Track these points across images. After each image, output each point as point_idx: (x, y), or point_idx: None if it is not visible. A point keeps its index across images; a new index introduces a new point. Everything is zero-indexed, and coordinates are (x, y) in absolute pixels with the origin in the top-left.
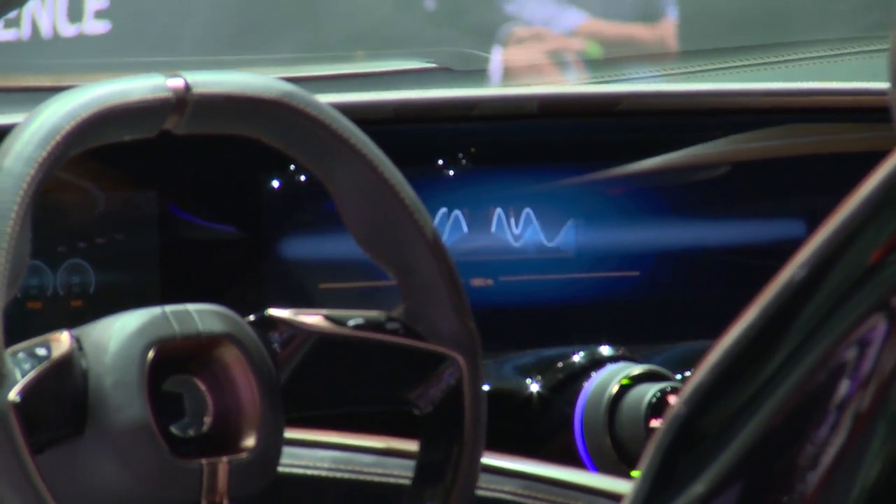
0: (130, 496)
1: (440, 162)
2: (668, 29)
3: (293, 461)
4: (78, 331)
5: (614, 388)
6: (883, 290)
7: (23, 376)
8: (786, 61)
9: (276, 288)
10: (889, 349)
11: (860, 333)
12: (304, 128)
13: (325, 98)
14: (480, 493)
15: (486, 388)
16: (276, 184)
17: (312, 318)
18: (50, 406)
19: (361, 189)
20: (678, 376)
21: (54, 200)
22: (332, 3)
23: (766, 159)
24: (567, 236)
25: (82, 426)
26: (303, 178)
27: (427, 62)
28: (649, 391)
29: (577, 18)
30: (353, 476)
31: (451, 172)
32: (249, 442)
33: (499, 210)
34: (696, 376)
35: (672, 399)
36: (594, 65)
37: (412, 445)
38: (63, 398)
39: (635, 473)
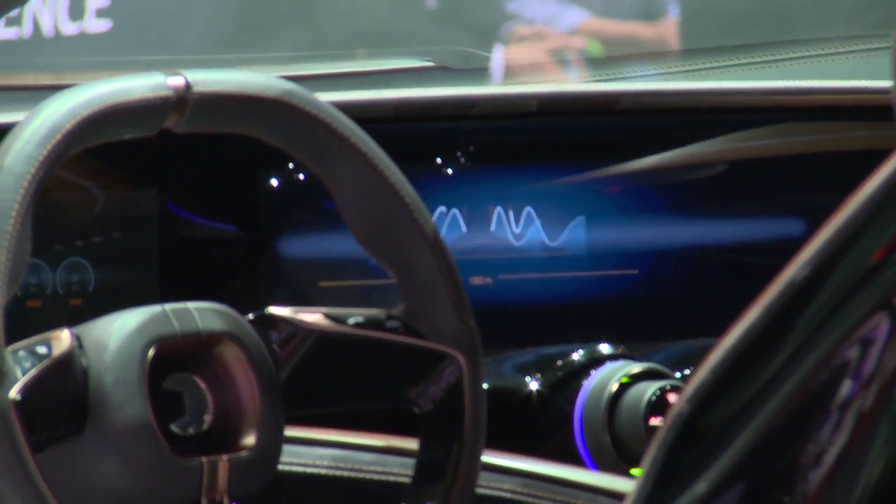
0: (131, 494)
1: (440, 160)
2: (668, 27)
3: (293, 459)
4: (78, 329)
5: (614, 387)
6: (885, 290)
7: (23, 374)
8: (785, 59)
9: (275, 286)
10: (892, 348)
11: (863, 333)
12: (304, 126)
13: (325, 96)
14: (480, 491)
15: (485, 386)
16: (275, 182)
17: (312, 317)
18: (50, 404)
19: (361, 188)
20: (677, 374)
21: (54, 199)
22: (332, 1)
23: (766, 158)
24: (567, 235)
25: (83, 424)
26: (302, 176)
27: (425, 61)
28: (649, 389)
29: (577, 17)
30: (353, 474)
31: (451, 171)
32: (249, 440)
33: (499, 208)
34: (698, 375)
35: (671, 397)
36: (595, 63)
37: (412, 444)
38: (63, 396)
39: (635, 471)
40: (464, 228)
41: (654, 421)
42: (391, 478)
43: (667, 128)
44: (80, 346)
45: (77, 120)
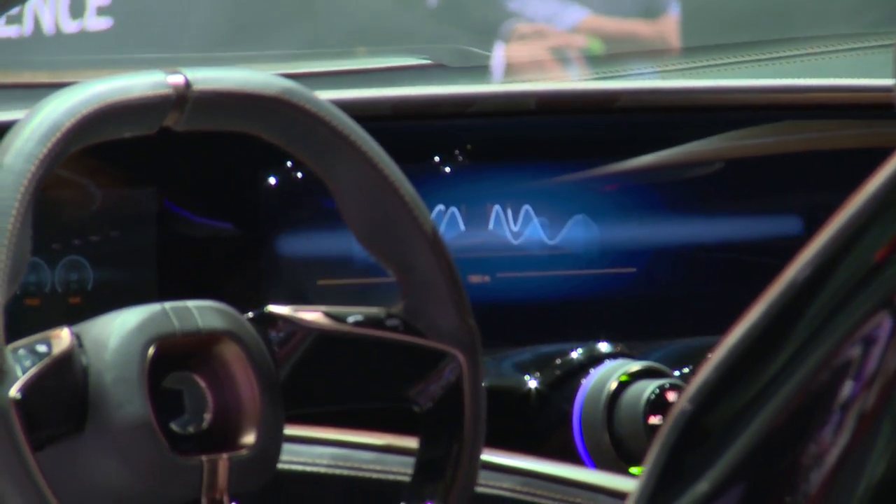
0: (130, 493)
1: (438, 159)
2: (669, 25)
3: (292, 458)
4: (78, 327)
5: (613, 385)
6: (887, 289)
7: (23, 373)
8: (785, 57)
9: (274, 284)
10: (894, 348)
11: (865, 332)
12: (303, 125)
13: (323, 94)
14: (479, 489)
15: (484, 385)
16: (273, 181)
17: (312, 315)
18: (50, 403)
19: (361, 186)
20: (676, 373)
21: (53, 197)
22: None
23: (764, 156)
24: (565, 233)
25: (83, 423)
26: (300, 175)
27: (423, 59)
28: (648, 388)
29: (578, 15)
30: (353, 473)
31: (450, 169)
32: (249, 439)
33: (497, 207)
34: (701, 374)
35: (670, 396)
36: (595, 61)
37: (412, 442)
38: (63, 395)
39: (634, 470)
40: (462, 227)
41: (653, 419)
42: (390, 476)
43: (665, 126)
44: (80, 345)
45: (77, 118)
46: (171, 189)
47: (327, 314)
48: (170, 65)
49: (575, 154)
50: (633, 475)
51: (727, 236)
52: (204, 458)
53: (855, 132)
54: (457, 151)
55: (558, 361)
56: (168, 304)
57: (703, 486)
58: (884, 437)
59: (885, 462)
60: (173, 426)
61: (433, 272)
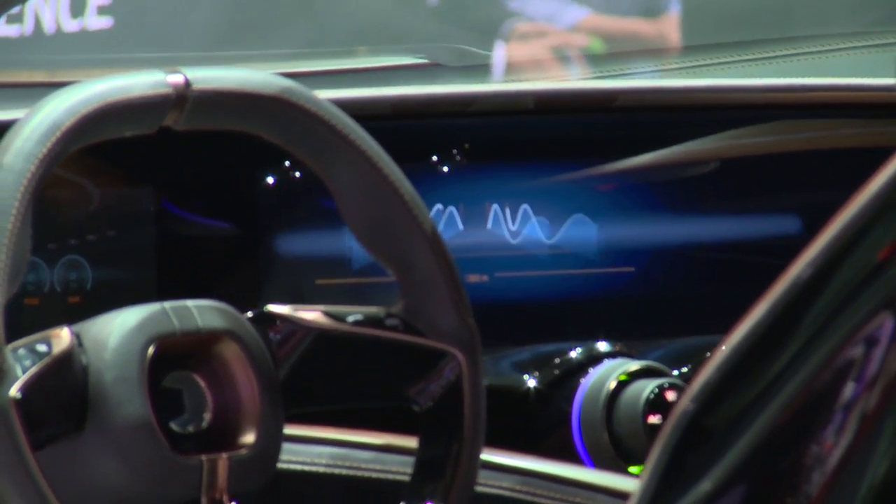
0: (130, 492)
1: (437, 158)
2: (669, 24)
3: (292, 457)
4: (78, 327)
5: (612, 384)
6: (890, 289)
7: (23, 372)
8: (785, 56)
9: (272, 284)
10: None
11: (867, 332)
12: (303, 124)
13: (322, 94)
14: (478, 489)
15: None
16: (271, 180)
17: (312, 314)
18: (50, 402)
19: (361, 185)
20: (675, 372)
21: (51, 196)
22: None
23: (763, 155)
24: (564, 232)
25: (82, 422)
26: (298, 174)
27: (420, 58)
28: (647, 387)
29: (578, 14)
30: (352, 472)
31: (448, 168)
32: (249, 438)
33: (495, 206)
34: (703, 374)
35: (670, 395)
36: (596, 60)
37: (411, 442)
38: (63, 394)
39: (633, 469)
40: (460, 226)
41: (653, 419)
42: (390, 476)
43: (664, 125)
44: (80, 344)
45: (77, 117)
46: (170, 188)
47: (327, 313)
48: (170, 64)
49: (573, 153)
50: (632, 474)
51: (726, 235)
52: (204, 457)
53: (854, 131)
54: (455, 151)
55: (557, 361)
56: (168, 304)
57: (705, 486)
58: (886, 437)
59: (888, 462)
60: (173, 426)
61: (433, 271)
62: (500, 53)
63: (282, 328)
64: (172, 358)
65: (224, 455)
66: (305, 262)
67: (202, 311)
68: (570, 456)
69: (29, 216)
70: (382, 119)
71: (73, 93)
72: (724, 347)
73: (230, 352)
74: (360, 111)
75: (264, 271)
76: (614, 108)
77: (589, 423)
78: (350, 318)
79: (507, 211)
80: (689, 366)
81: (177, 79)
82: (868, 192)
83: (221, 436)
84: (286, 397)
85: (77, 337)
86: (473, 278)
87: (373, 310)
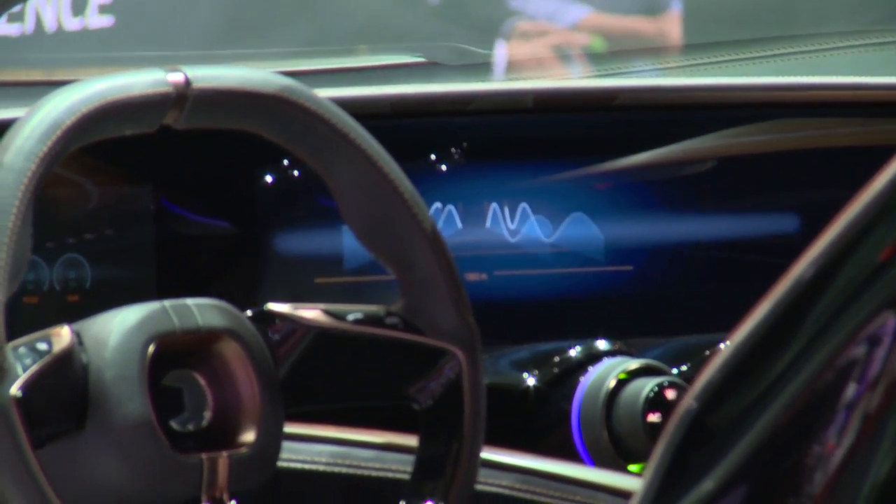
0: (130, 491)
1: (436, 157)
2: (670, 22)
3: (291, 456)
4: (78, 325)
5: (611, 383)
6: (892, 288)
7: (24, 371)
8: (786, 54)
9: (271, 282)
10: None
11: (870, 331)
12: (303, 123)
13: (320, 93)
14: (478, 487)
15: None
16: (270, 178)
17: (311, 313)
18: (51, 401)
19: (361, 184)
20: (674, 371)
21: (50, 195)
22: None
23: (762, 154)
24: (563, 231)
25: (83, 421)
26: (297, 172)
27: (417, 57)
28: (646, 386)
29: (579, 12)
30: (352, 471)
31: (447, 167)
32: (249, 437)
33: (494, 205)
34: (706, 373)
35: (669, 393)
36: (597, 58)
37: (411, 440)
38: (64, 393)
39: (632, 467)
40: (459, 225)
41: (652, 417)
42: (390, 474)
43: (663, 124)
44: (80, 343)
45: (77, 116)
46: (169, 187)
47: (327, 312)
48: (170, 63)
49: (572, 152)
50: (631, 473)
51: (725, 234)
52: (204, 456)
53: (853, 130)
54: (454, 149)
55: (557, 359)
56: (168, 302)
57: (708, 485)
58: (889, 436)
59: (891, 461)
60: (173, 424)
61: (432, 270)
62: (501, 52)
63: (282, 327)
64: (172, 356)
65: (224, 453)
66: (304, 261)
67: (202, 310)
68: (570, 454)
69: (29, 215)
70: (381, 118)
71: (74, 91)
72: (726, 346)
73: (230, 350)
74: (360, 110)
75: (263, 270)
76: (613, 107)
77: (588, 421)
78: (350, 317)
79: (506, 209)
80: (689, 364)
81: (177, 77)
82: (871, 192)
83: (221, 434)
84: (286, 396)
85: (77, 335)
86: (472, 277)
87: (373, 308)
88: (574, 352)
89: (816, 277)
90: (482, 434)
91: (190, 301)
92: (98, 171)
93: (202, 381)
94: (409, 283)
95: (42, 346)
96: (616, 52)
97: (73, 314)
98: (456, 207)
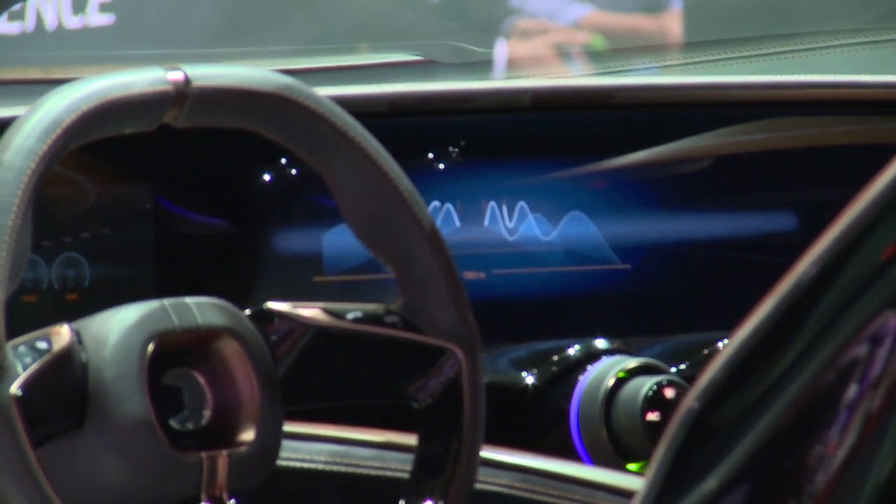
0: (130, 490)
1: (434, 155)
2: (671, 20)
3: (290, 455)
4: (78, 324)
5: (610, 382)
6: (894, 288)
7: (24, 370)
8: (787, 52)
9: (270, 281)
10: None
11: (872, 331)
12: (302, 121)
13: (320, 91)
14: (477, 486)
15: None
16: (268, 177)
17: (311, 312)
18: (50, 399)
19: (360, 183)
20: (673, 369)
21: (49, 194)
22: None
23: (761, 152)
24: (561, 229)
25: (82, 419)
26: (295, 171)
27: (414, 55)
28: (645, 384)
29: (580, 10)
30: (351, 469)
31: (445, 166)
32: (249, 435)
33: (492, 203)
34: (708, 372)
35: (668, 392)
36: (597, 57)
37: (410, 439)
38: (63, 391)
39: (631, 466)
40: (457, 223)
41: (651, 416)
42: (389, 473)
43: (661, 122)
44: (80, 342)
45: (77, 115)
46: (167, 186)
47: (326, 311)
48: (169, 61)
49: (570, 150)
50: (630, 471)
51: (723, 233)
52: (203, 454)
53: (852, 128)
54: (452, 148)
55: (555, 358)
56: (167, 301)
57: (710, 484)
58: (891, 436)
59: (892, 461)
60: (173, 423)
61: (432, 268)
62: (501, 50)
63: (281, 325)
64: (172, 355)
65: (224, 452)
66: (303, 260)
67: (202, 309)
68: (569, 453)
69: (29, 213)
70: (380, 116)
71: (74, 90)
72: (728, 345)
73: (230, 349)
74: (358, 108)
75: (261, 268)
76: (611, 106)
77: (587, 420)
78: (349, 316)
79: (504, 208)
80: (687, 363)
81: (177, 76)
82: (873, 191)
83: (221, 433)
84: (285, 394)
85: (77, 334)
86: (470, 275)
87: (372, 307)
88: (573, 350)
89: (819, 277)
90: (482, 433)
91: (189, 300)
92: (96, 170)
93: (202, 380)
94: (408, 281)
95: (42, 345)
96: (616, 50)
97: (71, 313)
98: (454, 206)
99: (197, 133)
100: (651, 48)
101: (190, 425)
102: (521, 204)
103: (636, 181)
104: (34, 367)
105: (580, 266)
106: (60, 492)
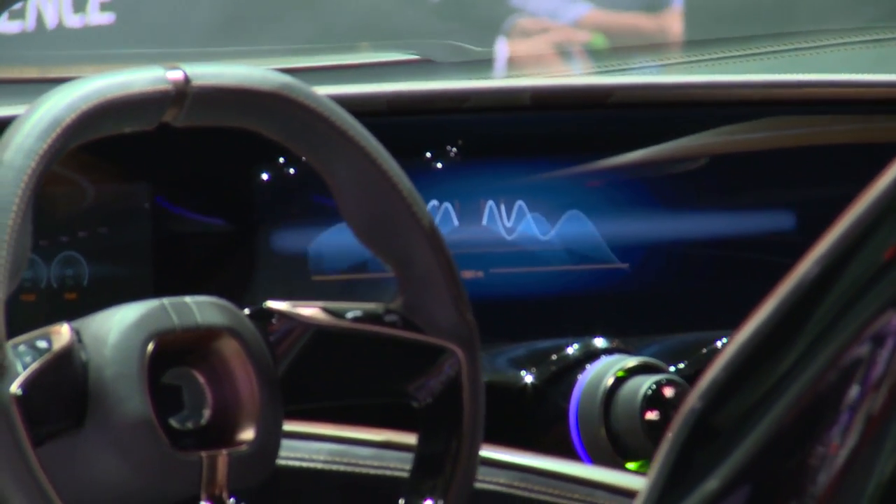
0: (130, 489)
1: (432, 154)
2: (671, 19)
3: (290, 454)
4: (77, 323)
5: (609, 381)
6: None
7: (24, 369)
8: (787, 51)
9: (269, 280)
10: None
11: (874, 330)
12: (302, 120)
13: (318, 90)
14: (476, 485)
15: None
16: (266, 176)
17: (310, 311)
18: (51, 398)
19: (360, 181)
20: (672, 368)
21: (47, 193)
22: None
23: (759, 151)
24: (559, 228)
25: (82, 419)
26: (293, 170)
27: (410, 54)
28: (644, 383)
29: (580, 9)
30: (351, 469)
31: (443, 165)
32: (248, 434)
33: (490, 202)
34: (711, 371)
35: (667, 391)
36: (598, 55)
37: (410, 438)
38: (64, 391)
39: (630, 465)
40: (455, 222)
41: (650, 415)
42: (388, 472)
43: (659, 121)
44: (80, 341)
45: (77, 114)
46: (165, 185)
47: (326, 310)
48: (169, 60)
49: (569, 149)
50: (629, 470)
51: (722, 231)
52: (203, 454)
53: (851, 127)
54: (450, 147)
55: (554, 357)
56: (167, 300)
57: (712, 484)
58: (893, 436)
59: (895, 461)
60: (172, 422)
61: (431, 267)
62: (501, 49)
63: (281, 324)
64: (172, 354)
65: (223, 451)
66: (301, 258)
67: (201, 308)
68: (568, 452)
69: (29, 212)
70: (379, 115)
71: (73, 89)
72: (731, 345)
73: (229, 348)
74: (356, 107)
75: (260, 267)
76: (610, 104)
77: (586, 419)
78: (349, 315)
79: (503, 207)
80: (686, 361)
81: (176, 75)
82: (875, 191)
83: (221, 432)
84: (285, 393)
85: (77, 333)
86: (469, 275)
87: (371, 306)
88: (572, 349)
89: (821, 276)
90: (481, 432)
91: (189, 299)
92: (94, 169)
93: (201, 379)
94: (407, 280)
95: (42, 344)
96: (617, 48)
97: (70, 312)
98: (452, 205)
99: (195, 132)
100: (651, 47)
101: (190, 424)
102: (520, 203)
103: (634, 180)
104: (34, 366)
105: (579, 265)
106: (60, 491)
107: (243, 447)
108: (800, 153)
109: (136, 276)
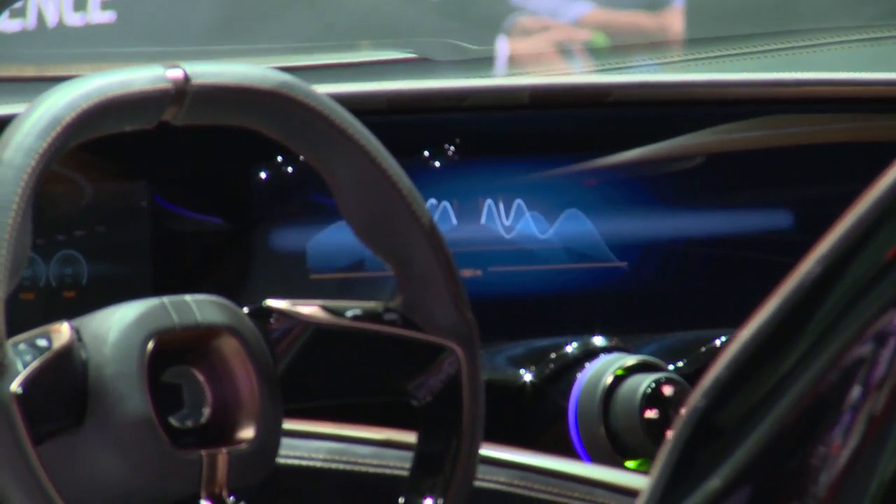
0: (130, 487)
1: (431, 153)
2: (672, 17)
3: (289, 452)
4: (77, 321)
5: (609, 379)
6: None
7: (24, 367)
8: (788, 49)
9: (268, 279)
10: None
11: (876, 330)
12: (301, 118)
13: (318, 88)
14: (476, 483)
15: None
16: (265, 175)
17: (310, 309)
18: (51, 397)
19: (359, 180)
20: (671, 367)
21: (46, 192)
22: None
23: (758, 150)
24: (558, 227)
25: (82, 417)
26: (291, 169)
27: (408, 52)
28: (643, 382)
29: (581, 8)
30: (350, 467)
31: (442, 163)
32: (248, 433)
33: (489, 201)
34: (713, 370)
35: (666, 389)
36: (598, 53)
37: (410, 437)
38: (63, 389)
39: (630, 464)
40: (454, 221)
41: (649, 413)
42: (388, 471)
43: (658, 120)
44: (80, 339)
45: (77, 112)
46: (163, 183)
47: (325, 308)
48: (169, 58)
49: (567, 148)
50: (629, 469)
51: (722, 230)
52: (203, 452)
53: (850, 126)
54: (449, 145)
55: (553, 355)
56: (167, 299)
57: (715, 483)
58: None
59: None
60: (172, 421)
61: (431, 266)
62: (502, 47)
63: (280, 323)
64: (171, 353)
65: (223, 450)
66: (300, 257)
67: (201, 306)
68: (567, 451)
69: (29, 211)
70: (378, 113)
71: (73, 88)
72: (733, 344)
73: (229, 347)
74: (355, 106)
75: (258, 266)
76: (609, 103)
77: (585, 417)
78: (348, 313)
79: (501, 206)
80: (685, 360)
81: (176, 74)
82: (878, 189)
83: (220, 431)
84: (285, 392)
85: (77, 332)
86: (467, 273)
87: (371, 304)
88: (570, 348)
89: (823, 276)
90: (481, 430)
91: (189, 297)
92: (93, 168)
93: (201, 378)
94: (407, 278)
95: (42, 343)
96: (617, 47)
97: (69, 311)
98: (451, 204)
99: (194, 131)
100: (652, 45)
101: (189, 423)
102: (518, 202)
103: (633, 179)
104: (34, 364)
105: (577, 264)
106: (60, 489)
107: (243, 446)
108: (798, 151)
109: (135, 274)
